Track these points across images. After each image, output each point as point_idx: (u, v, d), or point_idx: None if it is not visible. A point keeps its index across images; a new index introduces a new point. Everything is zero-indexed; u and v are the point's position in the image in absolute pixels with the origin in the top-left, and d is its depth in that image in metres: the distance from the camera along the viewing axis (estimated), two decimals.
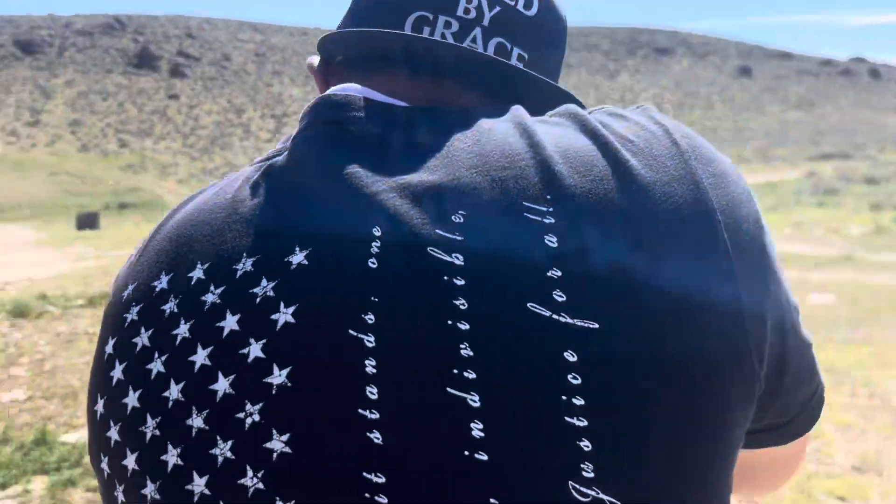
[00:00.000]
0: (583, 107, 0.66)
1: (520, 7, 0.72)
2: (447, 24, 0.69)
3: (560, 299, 0.52)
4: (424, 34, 0.69)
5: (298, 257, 0.56)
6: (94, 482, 3.36)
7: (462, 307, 0.52)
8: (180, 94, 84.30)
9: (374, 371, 0.52)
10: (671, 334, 0.53)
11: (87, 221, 22.08)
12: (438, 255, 0.53)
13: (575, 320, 0.51)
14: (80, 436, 4.02)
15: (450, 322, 0.52)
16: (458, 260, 0.53)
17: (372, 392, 0.51)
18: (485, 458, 0.50)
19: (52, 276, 9.78)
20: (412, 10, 0.70)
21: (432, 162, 0.57)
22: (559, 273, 0.52)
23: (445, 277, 0.53)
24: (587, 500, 0.50)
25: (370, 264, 0.54)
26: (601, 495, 0.50)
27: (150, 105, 77.43)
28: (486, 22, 0.70)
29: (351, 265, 0.54)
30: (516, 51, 0.71)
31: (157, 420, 0.57)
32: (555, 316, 0.51)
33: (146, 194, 37.35)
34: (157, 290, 0.61)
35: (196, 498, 0.54)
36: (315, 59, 0.76)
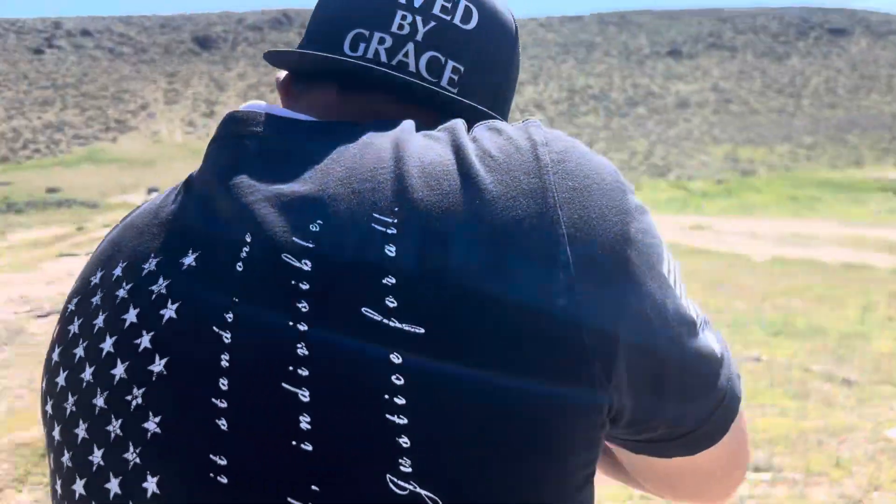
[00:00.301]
0: (485, 120, 0.67)
1: (457, 21, 0.73)
2: (381, 41, 0.72)
3: (392, 305, 0.55)
4: (360, 50, 0.72)
5: (189, 259, 0.61)
6: None
7: (303, 309, 0.56)
8: None
9: (228, 365, 0.56)
10: (496, 342, 0.55)
11: None
12: (290, 261, 0.57)
13: (403, 325, 0.54)
14: None
15: (291, 323, 0.56)
16: (306, 266, 0.57)
17: (224, 383, 0.56)
18: (309, 448, 0.54)
19: None
20: (351, 28, 0.73)
21: (309, 174, 0.61)
22: (393, 280, 0.55)
23: (293, 282, 0.56)
24: (405, 493, 0.53)
25: (237, 268, 0.58)
26: (418, 489, 0.53)
27: None
28: (419, 37, 0.72)
29: (224, 268, 0.59)
30: (451, 63, 0.73)
31: (75, 398, 0.64)
32: (385, 320, 0.54)
33: None
34: (91, 284, 0.68)
35: (94, 468, 0.61)
36: (282, 74, 0.79)
